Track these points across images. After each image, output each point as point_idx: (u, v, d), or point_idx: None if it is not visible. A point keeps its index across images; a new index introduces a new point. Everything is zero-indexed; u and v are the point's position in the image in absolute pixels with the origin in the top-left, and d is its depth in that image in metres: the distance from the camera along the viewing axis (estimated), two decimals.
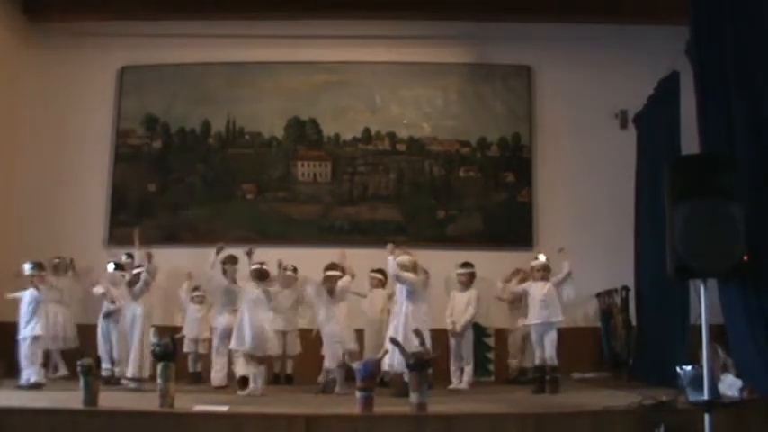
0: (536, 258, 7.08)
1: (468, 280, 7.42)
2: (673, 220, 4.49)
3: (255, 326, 6.60)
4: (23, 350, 6.88)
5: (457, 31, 9.44)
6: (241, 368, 6.78)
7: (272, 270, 7.94)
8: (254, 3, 9.10)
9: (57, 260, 8.23)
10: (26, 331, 6.90)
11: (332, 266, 7.15)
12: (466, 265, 7.52)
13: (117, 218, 9.22)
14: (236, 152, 9.41)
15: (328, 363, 6.84)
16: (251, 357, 6.60)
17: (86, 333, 7.86)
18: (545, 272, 6.91)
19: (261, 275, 6.83)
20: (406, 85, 9.54)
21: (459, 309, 7.27)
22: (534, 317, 6.79)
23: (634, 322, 8.16)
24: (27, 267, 7.12)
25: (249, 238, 8.94)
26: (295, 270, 7.82)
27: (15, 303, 7.17)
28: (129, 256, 8.16)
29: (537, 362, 6.75)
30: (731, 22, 5.67)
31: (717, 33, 5.81)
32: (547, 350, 6.66)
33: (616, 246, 8.57)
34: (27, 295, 7.02)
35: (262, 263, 6.97)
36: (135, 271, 7.29)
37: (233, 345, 6.74)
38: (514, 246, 8.95)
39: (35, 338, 6.92)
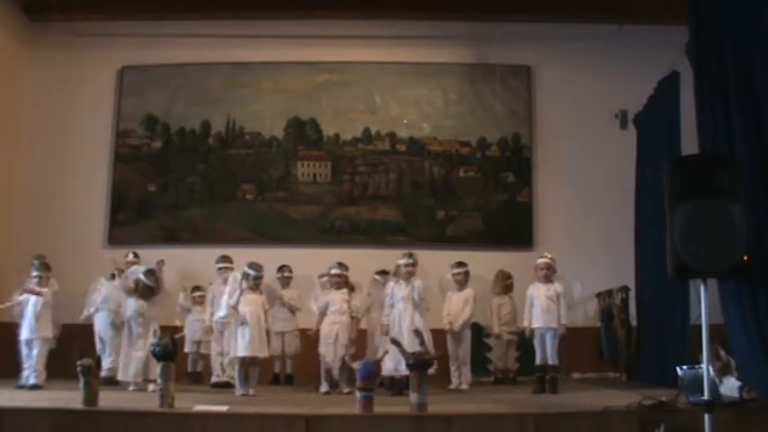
0: (541, 257, 7.05)
1: (464, 280, 7.36)
2: (673, 220, 4.49)
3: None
4: (32, 352, 6.87)
5: (457, 31, 9.45)
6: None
7: (271, 271, 8.03)
8: (253, 3, 9.11)
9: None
10: (34, 333, 6.89)
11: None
12: (460, 264, 7.44)
13: (117, 218, 9.22)
14: (236, 152, 9.41)
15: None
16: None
17: (85, 333, 7.82)
18: (548, 271, 6.87)
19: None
20: (406, 85, 9.54)
21: (456, 309, 7.22)
22: (537, 320, 6.74)
23: (634, 322, 8.15)
24: (35, 268, 7.15)
25: (249, 239, 9.00)
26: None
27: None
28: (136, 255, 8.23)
29: (538, 361, 6.74)
30: (731, 22, 5.67)
31: (716, 33, 5.81)
32: (548, 350, 6.65)
33: (616, 246, 8.57)
34: (33, 297, 7.00)
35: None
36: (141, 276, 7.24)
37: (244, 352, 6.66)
38: (514, 246, 8.96)
39: (44, 340, 6.91)
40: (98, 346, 7.66)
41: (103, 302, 7.67)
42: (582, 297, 8.81)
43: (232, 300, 6.74)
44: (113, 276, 7.89)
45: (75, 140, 9.33)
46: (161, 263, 7.53)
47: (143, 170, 9.38)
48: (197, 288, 8.17)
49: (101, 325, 7.71)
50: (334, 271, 7.06)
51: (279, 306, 7.88)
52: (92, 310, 7.75)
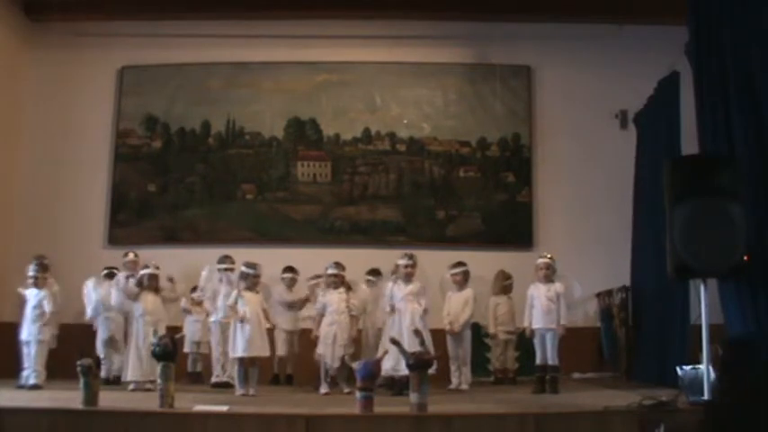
0: (541, 257, 7.04)
1: (463, 279, 7.32)
2: (673, 219, 4.50)
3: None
4: (30, 352, 6.88)
5: (457, 31, 9.46)
6: None
7: (274, 271, 8.05)
8: (253, 3, 9.12)
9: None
10: (33, 335, 6.89)
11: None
12: (458, 264, 7.41)
13: (117, 218, 9.23)
14: (236, 152, 9.41)
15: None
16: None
17: (85, 333, 7.82)
18: (548, 271, 6.86)
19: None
20: (406, 85, 9.54)
21: (456, 309, 7.19)
22: (537, 320, 6.73)
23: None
24: (31, 268, 7.15)
25: (249, 238, 9.00)
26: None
27: (17, 302, 7.21)
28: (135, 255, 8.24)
29: (538, 361, 6.73)
30: (730, 22, 5.67)
31: (716, 33, 5.81)
32: (548, 350, 6.65)
33: (616, 246, 8.57)
34: (33, 297, 7.01)
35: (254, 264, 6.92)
36: (142, 272, 7.24)
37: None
38: (514, 246, 8.96)
39: (41, 342, 6.91)
40: (101, 347, 7.65)
41: (114, 304, 7.62)
42: (582, 297, 8.81)
43: (229, 300, 6.75)
44: (112, 275, 7.91)
45: (76, 140, 9.33)
46: (171, 280, 7.48)
47: (143, 170, 9.38)
48: (197, 288, 8.16)
49: (108, 327, 7.69)
50: (330, 271, 7.03)
51: (283, 305, 7.90)
52: (94, 313, 7.74)
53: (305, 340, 7.64)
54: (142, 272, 7.17)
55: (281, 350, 7.78)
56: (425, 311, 6.82)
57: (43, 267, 7.19)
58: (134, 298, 7.03)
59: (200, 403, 5.04)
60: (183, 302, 8.12)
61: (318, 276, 7.88)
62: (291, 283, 8.11)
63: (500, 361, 7.97)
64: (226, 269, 7.62)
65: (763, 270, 5.04)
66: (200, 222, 9.24)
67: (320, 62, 9.50)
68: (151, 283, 7.06)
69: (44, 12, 9.21)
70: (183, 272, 8.44)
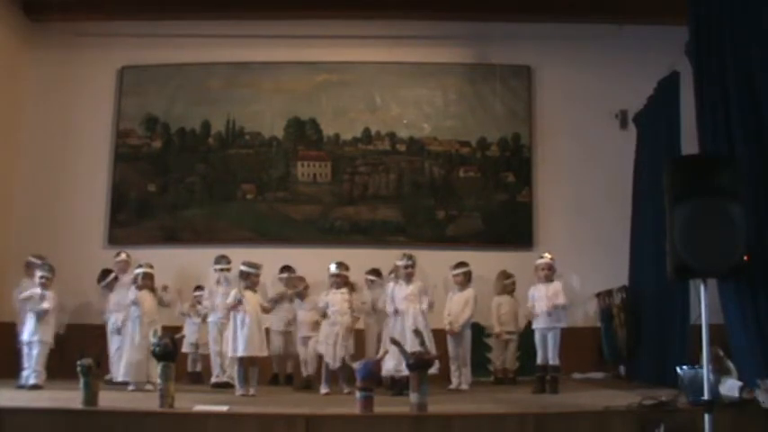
0: (541, 257, 7.05)
1: (464, 280, 7.31)
2: (673, 219, 4.49)
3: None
4: (31, 352, 6.88)
5: (457, 31, 9.45)
6: None
7: (272, 271, 8.05)
8: (253, 3, 9.11)
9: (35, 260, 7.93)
10: (34, 335, 6.90)
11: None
12: (460, 265, 7.41)
13: (117, 218, 9.21)
14: (236, 152, 9.40)
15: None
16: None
17: (85, 333, 7.82)
18: (549, 271, 6.86)
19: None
20: (406, 85, 9.53)
21: (457, 309, 7.19)
22: (539, 321, 6.74)
23: None
24: (41, 269, 7.20)
25: (249, 239, 9.00)
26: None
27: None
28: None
29: (539, 361, 6.74)
30: (730, 22, 5.67)
31: (716, 33, 5.82)
32: (549, 350, 6.65)
33: (616, 246, 8.57)
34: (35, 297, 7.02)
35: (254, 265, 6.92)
36: (137, 271, 7.24)
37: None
38: (514, 246, 8.96)
39: (42, 342, 6.92)
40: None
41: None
42: (582, 296, 8.79)
43: (229, 300, 6.74)
44: (117, 278, 7.93)
45: (75, 140, 9.33)
46: (165, 288, 7.46)
47: (143, 170, 9.37)
48: (197, 288, 8.16)
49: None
50: (333, 271, 7.04)
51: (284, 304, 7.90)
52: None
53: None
54: (136, 271, 7.17)
55: (275, 350, 7.74)
56: (430, 306, 6.84)
57: (51, 269, 7.24)
58: (134, 300, 7.03)
59: (200, 403, 5.05)
60: (179, 305, 8.11)
61: (292, 273, 7.95)
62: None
63: (500, 361, 7.98)
64: (222, 269, 7.63)
65: (763, 270, 5.06)
66: (199, 222, 9.23)
67: (320, 62, 9.50)
68: (145, 283, 7.06)
69: (44, 12, 9.20)
70: (183, 272, 8.46)
